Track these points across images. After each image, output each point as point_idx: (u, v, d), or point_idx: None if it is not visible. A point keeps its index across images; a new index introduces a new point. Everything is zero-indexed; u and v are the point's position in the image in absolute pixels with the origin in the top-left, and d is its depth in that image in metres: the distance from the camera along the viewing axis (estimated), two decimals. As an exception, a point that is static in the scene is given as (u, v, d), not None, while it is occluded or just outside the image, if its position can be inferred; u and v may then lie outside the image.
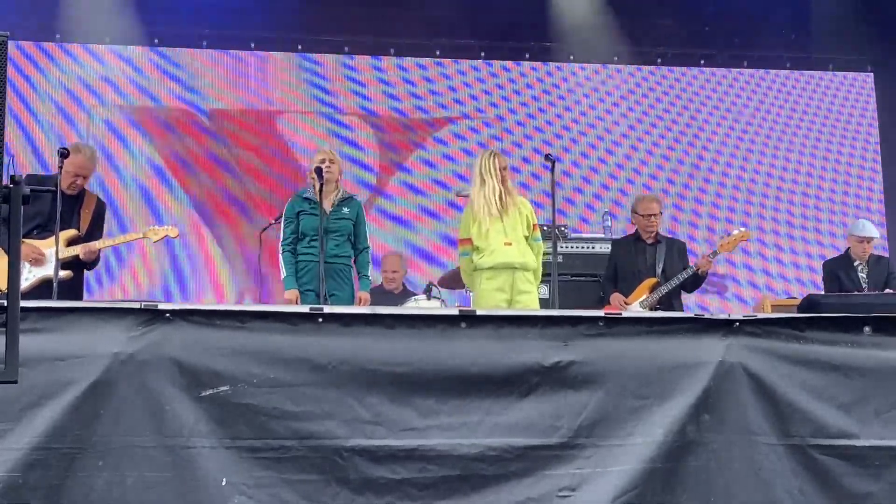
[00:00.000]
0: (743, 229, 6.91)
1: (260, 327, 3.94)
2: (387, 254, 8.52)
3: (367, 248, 6.37)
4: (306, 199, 6.26)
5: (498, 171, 6.17)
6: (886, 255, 8.54)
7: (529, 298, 6.12)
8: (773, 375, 4.15)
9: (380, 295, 7.83)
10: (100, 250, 6.22)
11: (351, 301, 6.14)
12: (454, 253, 9.99)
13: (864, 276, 7.49)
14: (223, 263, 9.89)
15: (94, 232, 6.23)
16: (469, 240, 6.21)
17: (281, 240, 6.32)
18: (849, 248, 7.71)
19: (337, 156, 6.45)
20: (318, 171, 6.09)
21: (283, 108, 10.31)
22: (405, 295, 7.65)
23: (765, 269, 10.64)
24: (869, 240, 7.59)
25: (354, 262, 6.36)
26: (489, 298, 6.06)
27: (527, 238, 6.22)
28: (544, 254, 6.37)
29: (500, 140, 10.51)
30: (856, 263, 7.56)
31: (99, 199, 6.39)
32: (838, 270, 7.59)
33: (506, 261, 6.06)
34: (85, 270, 6.34)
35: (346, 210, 6.27)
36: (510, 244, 6.09)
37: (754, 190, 10.85)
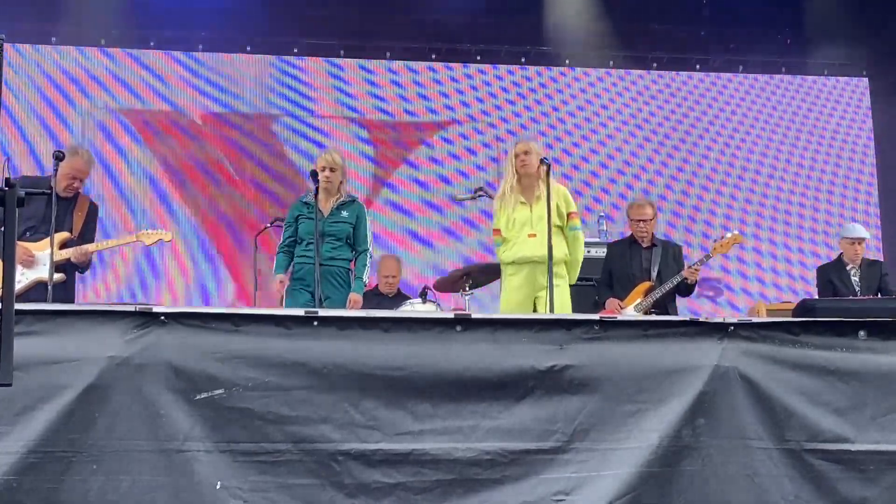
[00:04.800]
0: (737, 232, 6.91)
1: (255, 331, 3.94)
2: (384, 257, 8.48)
3: (366, 250, 6.31)
4: (305, 203, 6.26)
5: (516, 160, 6.07)
6: (879, 259, 8.54)
7: (555, 292, 5.79)
8: (769, 380, 4.14)
9: (375, 298, 7.82)
10: (92, 253, 6.21)
11: (346, 304, 6.12)
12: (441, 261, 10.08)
13: (858, 279, 7.50)
14: (219, 266, 9.89)
15: (87, 234, 6.22)
16: (498, 231, 6.16)
17: (279, 243, 6.37)
18: (841, 253, 7.72)
19: (339, 160, 6.35)
20: (314, 175, 6.07)
21: (279, 112, 10.31)
22: (400, 298, 7.64)
23: (760, 274, 10.66)
24: (860, 241, 7.60)
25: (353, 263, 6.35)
26: (512, 296, 6.00)
27: (561, 228, 6.09)
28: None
29: (490, 147, 10.52)
30: (849, 268, 7.58)
31: (91, 201, 6.38)
32: (832, 275, 7.61)
33: (527, 254, 5.92)
34: (77, 273, 6.33)
35: (344, 213, 6.24)
36: (534, 235, 5.92)
37: (751, 194, 10.87)
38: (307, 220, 6.16)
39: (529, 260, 5.92)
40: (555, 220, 5.97)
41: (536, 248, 5.86)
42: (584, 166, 10.65)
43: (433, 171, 10.46)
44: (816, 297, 7.61)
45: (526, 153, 6.08)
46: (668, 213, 10.43)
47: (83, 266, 6.23)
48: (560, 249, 6.01)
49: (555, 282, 5.85)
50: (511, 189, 6.09)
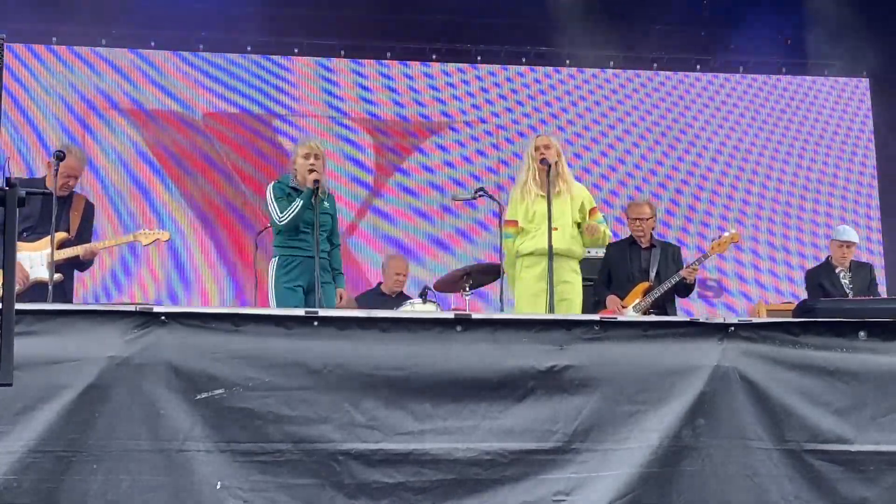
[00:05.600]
0: (734, 231, 6.92)
1: (255, 330, 3.94)
2: (392, 256, 8.49)
3: (340, 244, 6.28)
4: (293, 188, 6.05)
5: (535, 153, 6.06)
6: (867, 261, 8.50)
7: (571, 289, 5.94)
8: (769, 380, 4.15)
9: (377, 297, 7.83)
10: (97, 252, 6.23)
11: (334, 295, 6.05)
12: (445, 256, 10.08)
13: (847, 282, 7.48)
14: (218, 267, 9.89)
15: (84, 233, 6.23)
16: (514, 222, 6.15)
17: (276, 213, 5.98)
18: (829, 255, 7.71)
19: (322, 148, 6.19)
20: (315, 184, 5.92)
21: (279, 111, 10.31)
22: (401, 299, 7.65)
23: (760, 274, 10.66)
24: (849, 244, 7.59)
25: (329, 257, 6.15)
26: (528, 287, 5.98)
27: (580, 224, 6.11)
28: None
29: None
30: (837, 270, 7.56)
31: (87, 200, 6.38)
32: (821, 279, 7.58)
33: (546, 246, 5.85)
34: (76, 272, 6.33)
35: (326, 205, 6.10)
36: (556, 229, 5.86)
37: (750, 194, 10.87)
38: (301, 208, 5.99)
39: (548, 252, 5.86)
40: (576, 216, 6.10)
41: (557, 240, 5.85)
42: (582, 165, 10.64)
43: (435, 167, 10.47)
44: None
45: (546, 147, 6.10)
46: (664, 214, 10.42)
47: (86, 264, 6.23)
48: (578, 245, 6.09)
49: (570, 277, 6.02)
50: (532, 181, 6.07)
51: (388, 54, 10.56)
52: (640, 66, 10.94)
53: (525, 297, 6.01)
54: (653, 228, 7.01)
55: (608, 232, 6.29)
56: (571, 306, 5.88)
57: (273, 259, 6.09)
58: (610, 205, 10.31)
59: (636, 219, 6.91)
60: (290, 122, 10.30)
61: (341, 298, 6.10)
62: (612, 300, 6.69)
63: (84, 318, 3.86)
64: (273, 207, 6.01)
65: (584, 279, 6.96)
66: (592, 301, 6.87)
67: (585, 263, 6.81)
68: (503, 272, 6.57)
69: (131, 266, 9.66)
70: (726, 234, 6.80)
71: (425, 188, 10.40)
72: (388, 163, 10.42)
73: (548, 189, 5.85)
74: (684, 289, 6.80)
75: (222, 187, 10.01)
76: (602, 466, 3.98)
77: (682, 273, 6.64)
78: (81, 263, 6.17)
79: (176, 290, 9.74)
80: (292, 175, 6.07)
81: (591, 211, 6.19)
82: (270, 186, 6.14)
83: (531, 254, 6.00)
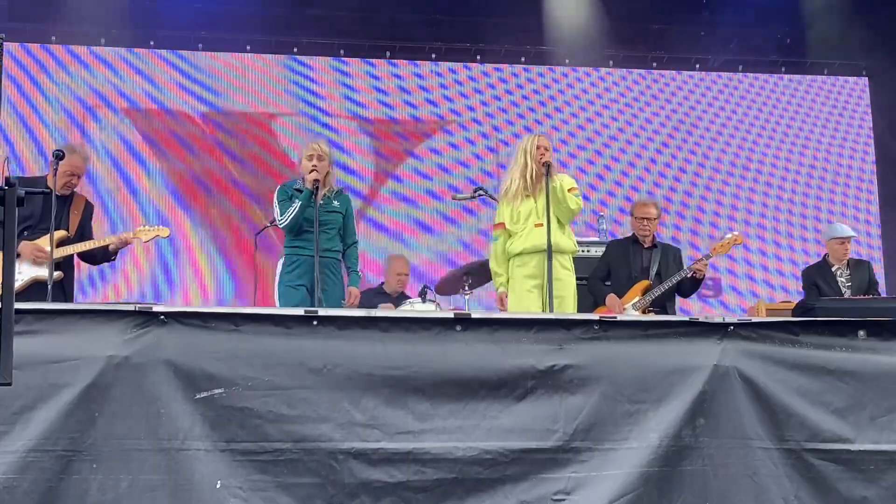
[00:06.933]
0: (736, 232, 6.90)
1: (254, 330, 3.93)
2: (393, 256, 8.48)
3: (356, 242, 6.25)
4: (298, 190, 6.09)
5: (535, 152, 5.98)
6: (864, 259, 8.49)
7: (563, 286, 5.86)
8: (768, 380, 4.15)
9: (378, 297, 7.82)
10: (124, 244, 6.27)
11: (341, 296, 6.04)
12: (445, 256, 10.09)
13: (844, 280, 7.46)
14: (218, 265, 9.89)
15: (85, 232, 6.23)
16: (501, 224, 6.11)
17: (278, 214, 6.08)
18: (826, 254, 7.69)
19: (326, 149, 6.20)
20: (315, 184, 5.96)
21: (279, 110, 10.31)
22: (401, 298, 7.64)
23: (760, 273, 10.66)
24: (849, 240, 7.59)
25: (343, 256, 6.20)
26: (519, 286, 5.92)
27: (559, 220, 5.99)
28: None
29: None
30: (834, 269, 7.54)
31: (87, 200, 6.38)
32: (816, 278, 7.55)
33: (536, 243, 5.84)
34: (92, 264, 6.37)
35: (336, 203, 6.12)
36: (542, 225, 5.82)
37: (753, 195, 10.87)
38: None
39: (539, 249, 5.84)
40: (558, 211, 5.95)
41: (545, 236, 5.77)
42: (577, 164, 10.65)
43: (435, 167, 10.48)
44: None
45: (546, 149, 6.05)
46: (673, 213, 10.44)
47: (112, 255, 6.25)
48: (567, 241, 6.02)
49: (561, 274, 5.90)
50: (529, 179, 6.00)
51: (388, 53, 10.57)
52: (640, 66, 10.95)
53: (517, 296, 5.98)
54: (656, 228, 7.00)
55: (580, 202, 6.13)
56: (564, 303, 5.83)
57: (280, 259, 6.17)
58: (606, 204, 10.32)
59: (643, 218, 6.88)
60: (289, 121, 10.29)
61: (351, 296, 6.07)
62: (611, 298, 6.67)
63: (84, 318, 3.86)
64: (276, 209, 6.12)
65: (578, 278, 6.95)
66: (591, 300, 6.85)
67: (586, 263, 6.80)
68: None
69: (131, 268, 9.66)
70: (729, 235, 6.78)
71: (423, 192, 10.40)
72: (386, 163, 10.42)
73: (546, 189, 5.82)
74: (688, 287, 6.77)
75: (222, 185, 10.01)
76: (602, 466, 3.98)
77: (694, 266, 6.61)
78: (105, 254, 6.18)
79: (173, 290, 9.74)
80: (301, 178, 6.12)
81: (570, 190, 6.00)
82: (277, 189, 6.23)
83: (520, 253, 5.97)
